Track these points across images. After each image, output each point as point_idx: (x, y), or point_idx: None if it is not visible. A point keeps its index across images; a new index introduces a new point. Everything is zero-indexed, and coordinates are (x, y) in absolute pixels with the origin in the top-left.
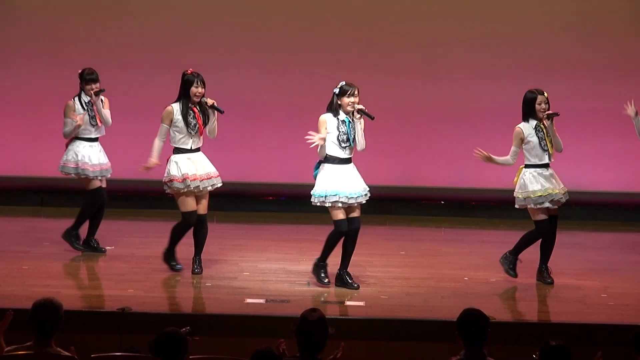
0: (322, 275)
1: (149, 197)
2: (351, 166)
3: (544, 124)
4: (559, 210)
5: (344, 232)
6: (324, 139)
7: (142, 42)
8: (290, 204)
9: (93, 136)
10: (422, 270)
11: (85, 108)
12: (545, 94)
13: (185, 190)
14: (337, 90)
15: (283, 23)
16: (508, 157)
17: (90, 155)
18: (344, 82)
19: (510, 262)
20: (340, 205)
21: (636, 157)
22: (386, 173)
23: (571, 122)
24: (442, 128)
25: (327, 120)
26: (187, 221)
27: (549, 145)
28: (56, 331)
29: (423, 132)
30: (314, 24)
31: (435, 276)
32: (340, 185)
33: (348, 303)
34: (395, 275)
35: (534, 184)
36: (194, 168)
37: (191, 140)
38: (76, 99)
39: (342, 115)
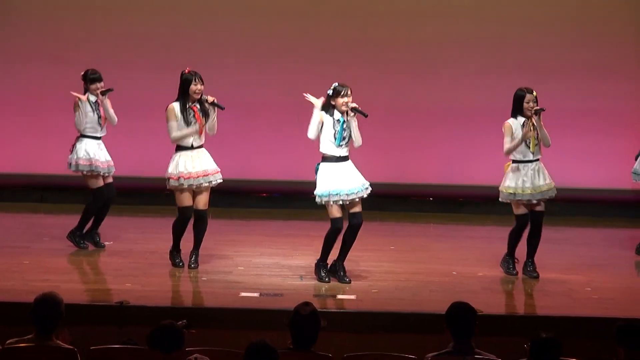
0: (323, 274)
1: (146, 194)
2: (348, 163)
3: (531, 122)
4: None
5: (340, 230)
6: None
7: (142, 42)
8: (283, 200)
9: (99, 135)
10: (412, 265)
11: (93, 107)
12: (534, 93)
13: (180, 187)
14: (330, 92)
15: (279, 24)
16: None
17: (98, 153)
18: (337, 84)
19: (508, 262)
20: (340, 202)
21: (621, 154)
22: (377, 170)
23: (558, 120)
24: (431, 126)
25: (324, 117)
26: (183, 216)
27: (532, 142)
28: (57, 325)
29: (413, 130)
30: (309, 25)
31: (424, 270)
32: (339, 183)
33: (340, 297)
34: (385, 270)
35: (512, 180)
36: (191, 166)
37: (192, 139)
38: (84, 97)
39: (336, 115)
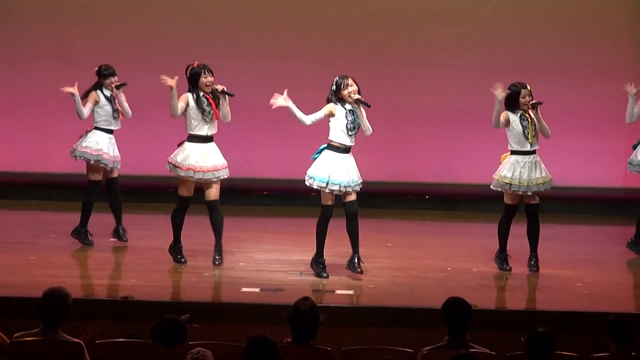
0: (320, 269)
1: (150, 192)
2: (350, 155)
3: (529, 114)
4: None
5: (330, 217)
6: (284, 101)
7: (143, 43)
8: (284, 198)
9: (113, 128)
10: (408, 261)
11: (108, 101)
12: (529, 87)
13: (185, 178)
14: (333, 87)
15: (278, 26)
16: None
17: (107, 146)
18: (337, 77)
19: (501, 258)
20: (337, 192)
21: (611, 153)
22: (374, 169)
23: (549, 120)
24: (428, 126)
25: (336, 108)
26: (182, 204)
27: (531, 134)
28: (64, 319)
29: (410, 130)
30: (308, 26)
31: (420, 266)
32: (341, 174)
33: (338, 292)
34: (382, 266)
35: (509, 170)
36: (202, 160)
37: (207, 127)
38: (99, 91)
39: (348, 105)
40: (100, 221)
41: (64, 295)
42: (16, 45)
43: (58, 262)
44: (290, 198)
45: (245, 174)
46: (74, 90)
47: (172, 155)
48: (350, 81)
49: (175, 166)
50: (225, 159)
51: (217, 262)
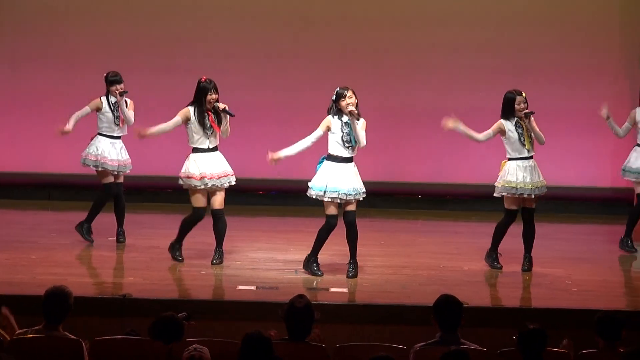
0: (315, 268)
1: (148, 192)
2: (352, 165)
3: (523, 121)
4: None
5: (334, 226)
6: (277, 160)
7: (145, 46)
8: (279, 198)
9: (115, 134)
10: (401, 259)
11: (112, 108)
12: (524, 94)
13: (201, 187)
14: (334, 97)
15: (276, 30)
16: (480, 134)
17: (110, 151)
18: (338, 88)
19: (492, 257)
20: (338, 201)
21: (601, 154)
22: (368, 169)
23: (540, 121)
24: (420, 128)
25: (333, 124)
26: (196, 215)
27: (527, 140)
28: (65, 317)
29: (402, 131)
30: (305, 31)
31: (412, 264)
32: (339, 182)
33: (332, 290)
34: (375, 264)
35: (512, 175)
36: (211, 167)
37: (208, 141)
38: (104, 98)
39: (345, 118)
40: (101, 221)
41: (66, 294)
42: (18, 47)
43: (59, 260)
44: (286, 198)
45: (242, 174)
46: (66, 129)
47: (182, 171)
48: (349, 93)
49: (188, 177)
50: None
51: (215, 262)
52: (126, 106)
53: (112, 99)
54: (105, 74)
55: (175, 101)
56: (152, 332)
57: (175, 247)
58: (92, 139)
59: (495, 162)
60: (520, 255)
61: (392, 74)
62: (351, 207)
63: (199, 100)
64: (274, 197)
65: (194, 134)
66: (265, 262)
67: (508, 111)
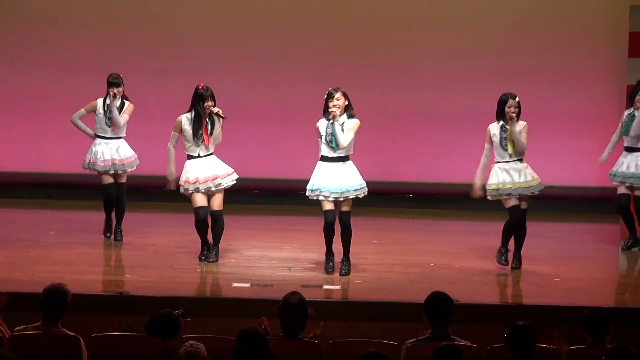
0: (328, 264)
1: (146, 191)
2: (341, 164)
3: (508, 125)
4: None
5: (329, 222)
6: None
7: (144, 49)
8: (274, 197)
9: (108, 135)
10: (393, 257)
11: (105, 109)
12: (517, 99)
13: (192, 191)
14: (325, 96)
15: (272, 33)
16: (483, 157)
17: (103, 151)
18: (330, 88)
19: (500, 253)
20: (322, 198)
21: (585, 154)
22: (361, 169)
23: (530, 122)
24: (411, 129)
25: (320, 126)
26: (197, 216)
27: (509, 144)
28: (63, 315)
29: (394, 132)
30: (301, 34)
31: (404, 262)
32: (326, 181)
33: (325, 287)
34: (368, 262)
35: (493, 178)
36: (199, 172)
37: (198, 149)
38: (101, 99)
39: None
40: (99, 220)
41: (64, 291)
42: (17, 48)
43: (57, 258)
44: (280, 197)
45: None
46: (90, 133)
47: (180, 180)
48: (338, 95)
49: (185, 185)
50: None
51: (211, 259)
52: (122, 109)
53: (108, 101)
54: (108, 76)
55: (173, 102)
56: (149, 329)
57: (201, 249)
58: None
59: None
60: (510, 254)
61: (387, 75)
62: (345, 208)
63: (195, 107)
64: (269, 196)
65: (186, 142)
66: (260, 260)
67: (499, 113)
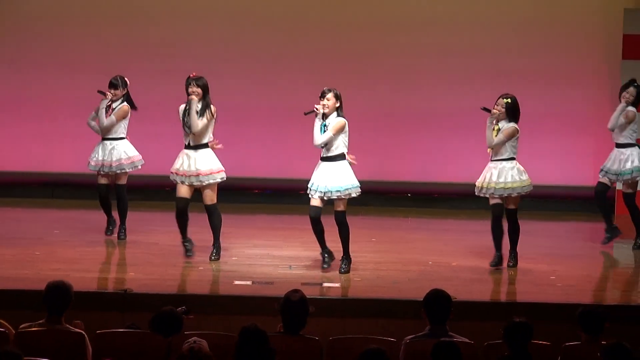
0: (322, 260)
1: (149, 191)
2: (330, 164)
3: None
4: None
5: (311, 217)
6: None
7: (146, 50)
8: (275, 196)
9: (107, 136)
10: (391, 255)
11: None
12: (505, 100)
13: (175, 181)
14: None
15: (270, 36)
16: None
17: (98, 152)
18: (325, 87)
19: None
20: (311, 195)
21: (580, 154)
22: (359, 169)
23: (522, 122)
24: (409, 129)
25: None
26: (176, 206)
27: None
28: (66, 310)
29: (392, 132)
30: (299, 36)
31: (402, 260)
32: (316, 179)
33: (326, 285)
34: (367, 260)
35: (481, 176)
36: (183, 164)
37: (188, 138)
38: (104, 101)
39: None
40: (102, 218)
41: (67, 286)
42: (22, 50)
43: (62, 256)
44: (281, 196)
45: (239, 173)
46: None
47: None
48: (329, 95)
49: (172, 175)
50: (219, 159)
51: (212, 258)
52: (111, 110)
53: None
54: None
55: (174, 102)
56: (152, 326)
57: (182, 243)
58: None
59: (480, 162)
60: (505, 252)
61: (385, 75)
62: (338, 207)
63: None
64: (269, 195)
65: (182, 129)
66: (261, 258)
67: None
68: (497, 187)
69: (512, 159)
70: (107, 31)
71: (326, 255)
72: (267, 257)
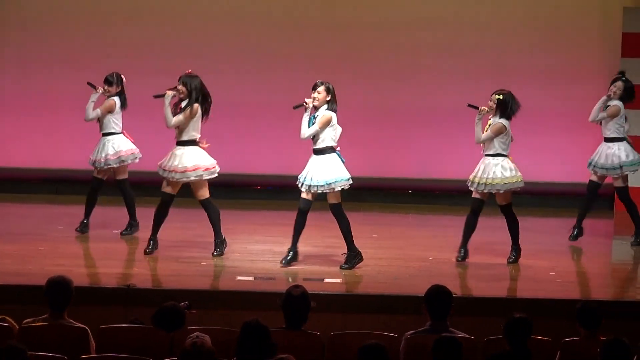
0: (285, 255)
1: (150, 187)
2: (318, 157)
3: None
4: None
5: (299, 209)
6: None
7: (146, 49)
8: (276, 192)
9: (100, 131)
10: (392, 251)
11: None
12: (497, 96)
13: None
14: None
15: (270, 34)
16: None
17: (95, 148)
18: (317, 80)
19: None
20: (300, 187)
21: (580, 151)
22: (361, 165)
23: (523, 120)
24: (410, 126)
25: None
26: (161, 199)
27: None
28: (68, 304)
29: (393, 129)
30: (299, 34)
31: (403, 256)
32: (305, 172)
33: (327, 280)
34: (368, 256)
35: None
36: (172, 160)
37: (176, 132)
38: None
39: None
40: (105, 214)
41: (67, 281)
42: (27, 49)
43: (66, 252)
44: (282, 193)
45: (240, 169)
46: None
47: None
48: (320, 88)
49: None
50: (221, 156)
51: (215, 254)
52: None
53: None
54: None
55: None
56: (155, 321)
57: (149, 239)
58: None
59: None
60: (506, 247)
61: (386, 73)
62: (330, 200)
63: None
64: (271, 191)
65: None
66: (263, 254)
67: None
68: (480, 182)
69: (500, 155)
70: (111, 29)
71: (291, 253)
72: (269, 253)
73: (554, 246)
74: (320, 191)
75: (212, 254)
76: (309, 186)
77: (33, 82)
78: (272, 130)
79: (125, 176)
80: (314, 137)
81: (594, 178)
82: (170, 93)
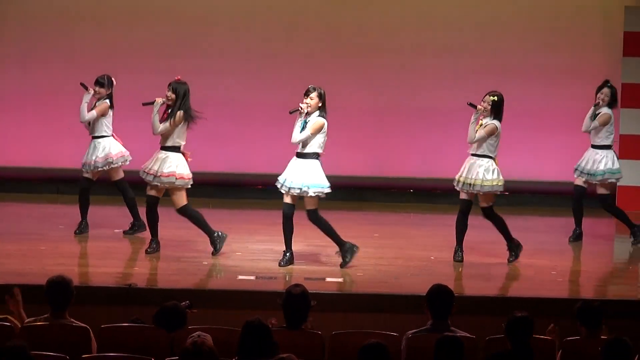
0: (282, 257)
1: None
2: (300, 160)
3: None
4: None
5: (283, 214)
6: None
7: (146, 48)
8: (276, 192)
9: (90, 134)
10: (393, 251)
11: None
12: (491, 97)
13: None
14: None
15: (269, 32)
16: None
17: (86, 151)
18: (310, 85)
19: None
20: (283, 191)
21: (580, 150)
22: (362, 165)
23: (523, 120)
24: (411, 125)
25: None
26: (146, 202)
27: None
28: (68, 304)
29: (394, 129)
30: (296, 33)
31: (404, 256)
32: (285, 174)
33: (328, 279)
34: (369, 255)
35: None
36: (152, 165)
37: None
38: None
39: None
40: (106, 214)
41: (67, 281)
42: (28, 48)
43: (66, 251)
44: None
45: (241, 169)
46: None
47: None
48: (313, 94)
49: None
50: (222, 156)
51: (214, 253)
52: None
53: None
54: None
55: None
56: (156, 320)
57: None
58: None
59: None
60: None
61: (385, 73)
62: (306, 205)
63: None
64: (272, 191)
65: None
66: (264, 253)
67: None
68: (465, 182)
69: (486, 156)
70: (109, 30)
71: (288, 254)
72: (270, 253)
73: (555, 245)
74: (295, 193)
75: (212, 253)
76: (289, 188)
77: (34, 81)
78: (273, 130)
79: (121, 176)
80: (292, 140)
81: (579, 182)
82: (159, 101)
